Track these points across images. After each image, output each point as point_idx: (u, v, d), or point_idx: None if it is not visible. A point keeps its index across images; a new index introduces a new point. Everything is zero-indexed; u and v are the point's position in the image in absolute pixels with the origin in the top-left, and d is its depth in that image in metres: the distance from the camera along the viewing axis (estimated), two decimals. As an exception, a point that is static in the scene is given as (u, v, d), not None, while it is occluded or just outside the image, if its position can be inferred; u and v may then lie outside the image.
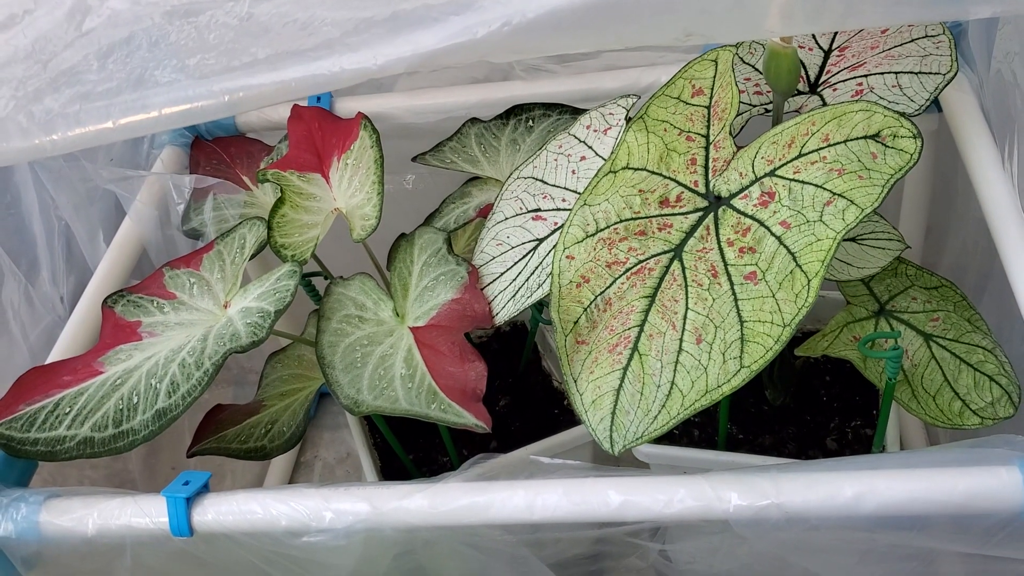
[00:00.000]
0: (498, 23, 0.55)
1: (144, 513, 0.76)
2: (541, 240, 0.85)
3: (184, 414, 0.78)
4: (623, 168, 0.79)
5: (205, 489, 0.77)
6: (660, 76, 1.08)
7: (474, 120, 1.03)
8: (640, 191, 0.77)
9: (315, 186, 0.95)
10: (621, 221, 0.76)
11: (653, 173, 0.77)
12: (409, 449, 1.06)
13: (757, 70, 0.92)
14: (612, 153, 0.83)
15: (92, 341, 0.94)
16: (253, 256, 0.90)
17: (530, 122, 1.01)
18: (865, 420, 1.00)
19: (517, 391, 1.11)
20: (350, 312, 0.86)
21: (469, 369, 0.79)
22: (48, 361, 0.91)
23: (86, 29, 0.66)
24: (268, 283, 0.85)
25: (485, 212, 0.92)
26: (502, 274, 0.85)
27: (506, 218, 0.88)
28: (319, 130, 0.98)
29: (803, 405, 1.02)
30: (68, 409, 0.80)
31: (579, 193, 0.85)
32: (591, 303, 0.75)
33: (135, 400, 0.79)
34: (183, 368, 0.79)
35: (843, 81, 0.88)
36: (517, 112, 1.02)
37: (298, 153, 0.96)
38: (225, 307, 0.86)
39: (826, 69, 0.90)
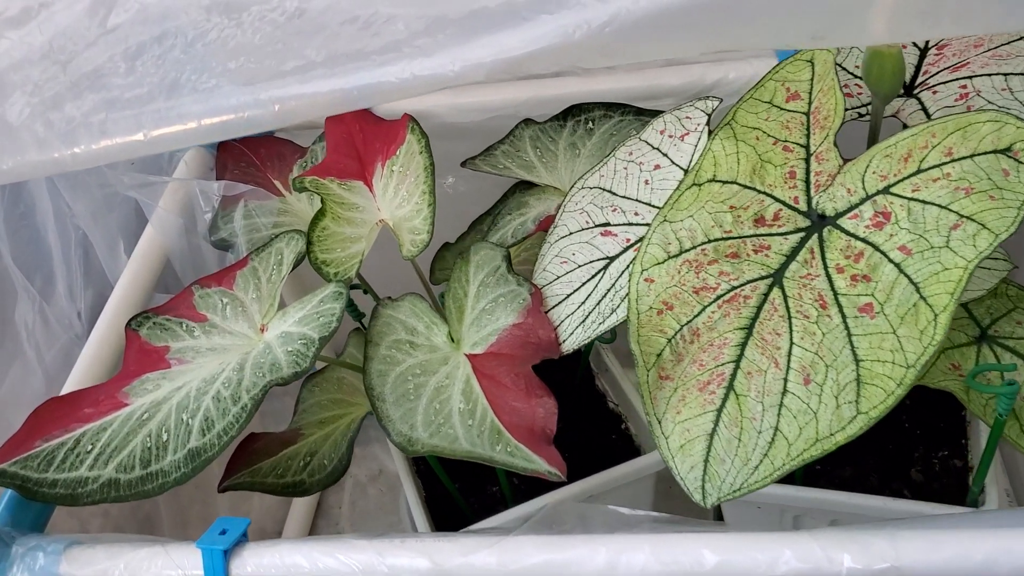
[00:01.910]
0: (598, 22, 0.46)
1: (176, 566, 0.68)
2: (612, 259, 0.76)
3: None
4: (709, 180, 0.70)
5: (244, 538, 0.69)
6: (727, 73, 1.00)
7: (528, 121, 0.94)
8: (731, 207, 0.68)
9: (357, 195, 0.86)
10: (710, 241, 0.68)
11: (745, 187, 0.69)
12: (455, 475, 0.98)
13: (843, 68, 0.83)
14: (694, 163, 0.74)
15: (113, 364, 0.86)
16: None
17: (590, 124, 0.92)
18: (953, 449, 0.92)
19: (570, 413, 1.03)
20: (400, 337, 0.78)
21: (537, 405, 0.71)
22: (66, 387, 0.83)
23: (111, 25, 0.57)
24: (310, 305, 0.76)
25: (546, 225, 0.83)
26: (568, 296, 0.77)
27: (570, 233, 0.80)
28: (360, 132, 0.90)
29: (884, 432, 0.94)
30: (90, 447, 0.72)
31: (654, 206, 0.76)
32: (676, 333, 0.67)
33: (165, 438, 0.71)
34: (218, 402, 0.71)
35: (944, 83, 0.79)
36: (575, 113, 0.93)
37: (338, 158, 0.88)
38: (262, 331, 0.78)
39: (923, 69, 0.81)
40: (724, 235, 0.68)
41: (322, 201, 0.83)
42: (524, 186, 1.01)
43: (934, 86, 0.79)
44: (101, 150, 0.55)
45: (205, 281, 0.82)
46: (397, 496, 1.31)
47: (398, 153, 0.86)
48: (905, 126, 0.80)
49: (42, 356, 0.87)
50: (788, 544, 0.62)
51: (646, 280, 0.70)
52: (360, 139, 0.89)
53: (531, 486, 0.94)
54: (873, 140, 0.73)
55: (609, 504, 0.95)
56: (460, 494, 0.96)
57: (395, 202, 0.85)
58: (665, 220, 0.70)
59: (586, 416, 1.02)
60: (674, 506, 1.17)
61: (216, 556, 0.68)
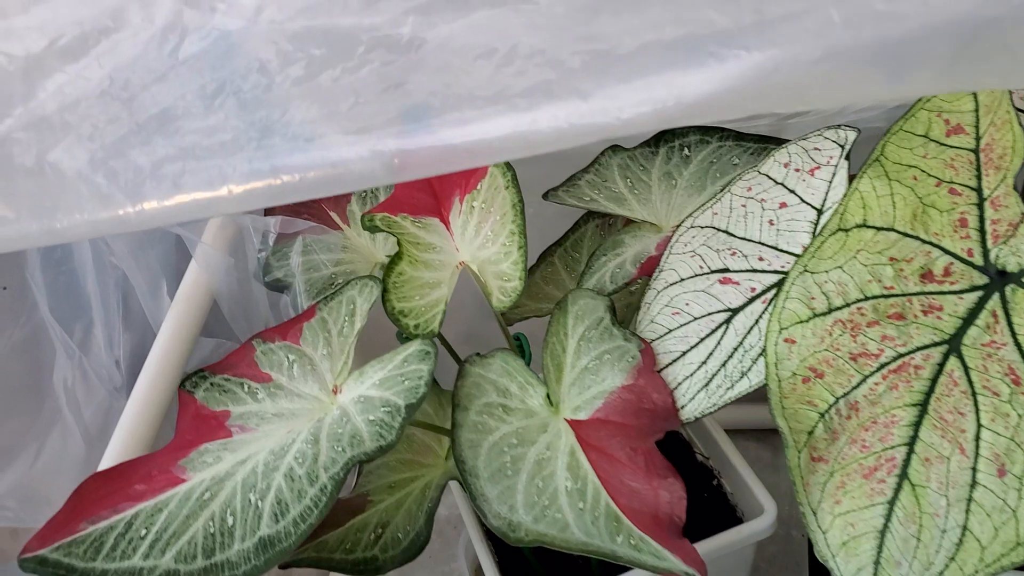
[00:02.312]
0: (808, 58, 0.37)
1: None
2: (735, 311, 0.67)
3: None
4: (858, 226, 0.61)
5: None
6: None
7: (615, 148, 0.85)
8: (891, 259, 0.59)
9: (433, 234, 0.77)
10: (868, 299, 0.59)
11: (906, 235, 0.59)
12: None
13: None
14: (830, 202, 0.65)
15: (159, 424, 0.77)
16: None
17: (685, 150, 0.83)
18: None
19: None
20: (492, 400, 0.69)
21: (660, 487, 0.62)
22: (108, 452, 0.73)
23: (184, 56, 0.48)
24: (392, 365, 0.67)
25: (648, 268, 0.74)
26: (685, 353, 0.68)
27: (681, 279, 0.71)
28: (433, 163, 0.81)
29: None
30: (144, 531, 0.63)
31: (782, 251, 0.67)
32: (831, 407, 0.58)
33: (230, 522, 0.62)
34: (291, 481, 0.62)
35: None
36: (668, 138, 0.84)
37: (410, 192, 0.79)
38: (335, 392, 0.69)
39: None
40: (885, 292, 0.58)
41: (399, 243, 0.74)
42: (597, 216, 0.92)
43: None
44: (174, 207, 0.46)
45: (267, 335, 0.73)
46: (450, 544, 1.21)
47: (479, 187, 0.77)
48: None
49: (81, 416, 0.78)
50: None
51: (786, 341, 0.60)
52: (433, 170, 0.80)
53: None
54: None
55: None
56: (535, 558, 0.87)
57: (476, 242, 0.76)
58: (806, 270, 0.61)
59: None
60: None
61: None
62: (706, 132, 0.84)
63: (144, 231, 0.85)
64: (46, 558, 0.62)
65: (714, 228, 0.71)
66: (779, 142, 0.82)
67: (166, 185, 0.47)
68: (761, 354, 0.62)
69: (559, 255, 0.94)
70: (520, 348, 0.83)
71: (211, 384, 0.71)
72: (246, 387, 0.70)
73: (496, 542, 0.91)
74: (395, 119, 0.44)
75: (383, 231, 0.75)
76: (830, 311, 0.60)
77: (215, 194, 0.46)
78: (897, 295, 0.58)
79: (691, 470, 0.93)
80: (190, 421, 0.70)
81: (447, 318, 1.02)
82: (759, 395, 0.66)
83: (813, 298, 0.60)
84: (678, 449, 0.95)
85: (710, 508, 0.89)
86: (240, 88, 0.47)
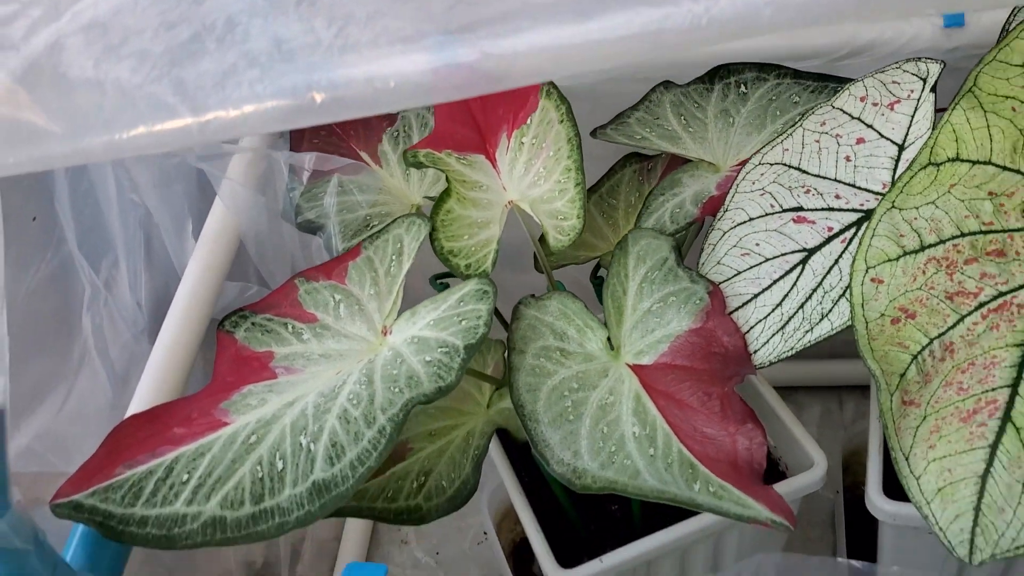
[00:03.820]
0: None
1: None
2: (812, 251, 0.64)
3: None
4: (949, 160, 0.58)
5: (384, 591, 0.57)
6: (883, 32, 0.87)
7: (667, 84, 0.81)
8: (990, 193, 0.56)
9: (479, 172, 0.73)
10: (964, 235, 0.55)
11: (1006, 169, 0.56)
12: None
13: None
14: (913, 137, 0.62)
15: (189, 369, 0.73)
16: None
17: (742, 87, 0.79)
18: None
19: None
20: (548, 344, 0.66)
21: (737, 433, 0.58)
22: (135, 398, 0.69)
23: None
24: (446, 305, 0.63)
25: (713, 207, 0.70)
26: (757, 295, 0.65)
27: (750, 219, 0.67)
28: (478, 96, 0.77)
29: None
30: (186, 476, 0.59)
31: (860, 188, 0.64)
32: (924, 348, 0.55)
33: (280, 466, 0.58)
34: (347, 423, 0.58)
35: None
36: (723, 74, 0.80)
37: (452, 127, 0.75)
38: (384, 333, 0.65)
39: None
40: (984, 227, 0.55)
41: (447, 179, 0.70)
42: (635, 161, 0.88)
43: None
44: (253, 115, 0.42)
45: (310, 273, 0.69)
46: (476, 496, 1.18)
47: (529, 122, 0.73)
48: None
49: (108, 358, 0.74)
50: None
51: (873, 280, 0.57)
52: (478, 105, 0.76)
53: (655, 507, 0.81)
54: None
55: (747, 529, 0.83)
56: (575, 509, 0.83)
57: (527, 180, 0.72)
58: (894, 206, 0.58)
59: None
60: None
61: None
62: (763, 69, 0.80)
63: (167, 166, 0.80)
64: (81, 503, 0.58)
65: (785, 165, 0.67)
66: (840, 80, 0.78)
67: (244, 92, 0.42)
68: (843, 295, 0.59)
69: (594, 202, 0.90)
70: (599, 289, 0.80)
71: (252, 324, 0.67)
72: (290, 327, 0.66)
73: (529, 493, 0.87)
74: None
75: (428, 167, 0.71)
76: (922, 248, 0.56)
77: (299, 101, 0.42)
78: (997, 231, 0.55)
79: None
80: (230, 363, 0.66)
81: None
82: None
83: (903, 235, 0.57)
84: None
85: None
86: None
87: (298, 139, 0.87)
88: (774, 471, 0.86)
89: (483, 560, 1.13)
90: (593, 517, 0.85)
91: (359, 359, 0.63)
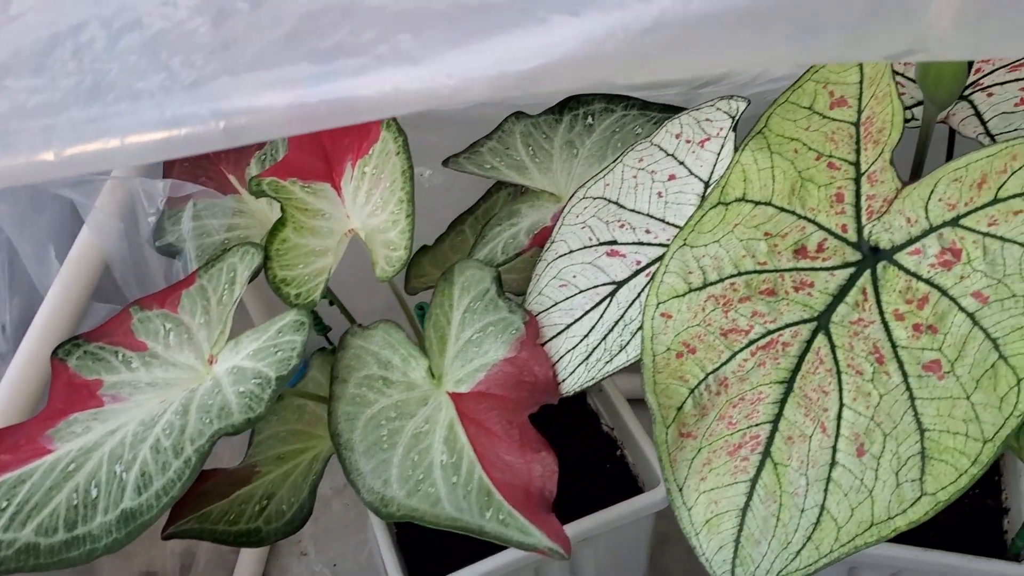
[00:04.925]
0: (639, 28, 0.36)
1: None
2: (620, 284, 0.66)
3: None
4: (737, 200, 0.60)
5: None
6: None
7: (519, 114, 0.83)
8: (766, 234, 0.58)
9: (323, 200, 0.75)
10: (741, 274, 0.58)
11: (783, 210, 0.58)
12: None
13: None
14: (717, 175, 0.64)
15: (41, 393, 0.74)
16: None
17: (589, 119, 0.81)
18: (985, 487, 0.83)
19: (557, 436, 0.93)
20: (372, 372, 0.68)
21: (533, 461, 0.60)
22: (-14, 421, 0.71)
23: (15, 12, 0.46)
24: (267, 336, 0.65)
25: (541, 239, 0.73)
26: (569, 326, 0.67)
27: (571, 251, 0.69)
28: (327, 126, 0.78)
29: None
30: (5, 503, 0.61)
31: (668, 223, 0.66)
32: (700, 383, 0.57)
33: (94, 494, 0.60)
34: (157, 453, 0.60)
35: (1000, 84, 0.69)
36: (572, 105, 0.82)
37: (300, 156, 0.77)
38: (210, 362, 0.67)
39: (975, 67, 0.71)
40: (758, 267, 0.57)
41: (282, 208, 0.72)
42: (509, 184, 0.90)
43: (989, 87, 0.69)
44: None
45: (145, 302, 0.71)
46: (365, 512, 1.20)
47: (371, 152, 0.75)
48: (953, 132, 0.70)
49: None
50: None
51: (663, 315, 0.59)
52: (327, 134, 0.78)
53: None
54: (922, 151, 0.63)
55: (602, 546, 0.85)
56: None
57: (367, 209, 0.74)
58: (685, 244, 0.60)
59: (575, 440, 0.92)
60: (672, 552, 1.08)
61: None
62: (611, 100, 0.82)
63: (29, 195, 0.82)
64: (-102, 529, 0.60)
65: (605, 199, 0.70)
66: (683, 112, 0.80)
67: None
68: (640, 328, 0.61)
69: (470, 223, 0.92)
70: (423, 318, 0.82)
71: (84, 352, 0.69)
72: (120, 355, 0.68)
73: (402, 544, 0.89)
74: (228, 76, 0.41)
75: (270, 196, 0.72)
76: (705, 286, 0.58)
77: (39, 158, 0.44)
78: (770, 271, 0.57)
79: (596, 441, 0.92)
80: (62, 390, 0.68)
81: (363, 292, 1.00)
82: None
83: (691, 272, 0.59)
84: (585, 419, 0.95)
85: (613, 479, 0.89)
86: (73, 43, 0.45)
87: (169, 164, 0.89)
88: (632, 486, 0.88)
89: (380, 573, 1.15)
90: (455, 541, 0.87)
91: (183, 388, 0.65)
